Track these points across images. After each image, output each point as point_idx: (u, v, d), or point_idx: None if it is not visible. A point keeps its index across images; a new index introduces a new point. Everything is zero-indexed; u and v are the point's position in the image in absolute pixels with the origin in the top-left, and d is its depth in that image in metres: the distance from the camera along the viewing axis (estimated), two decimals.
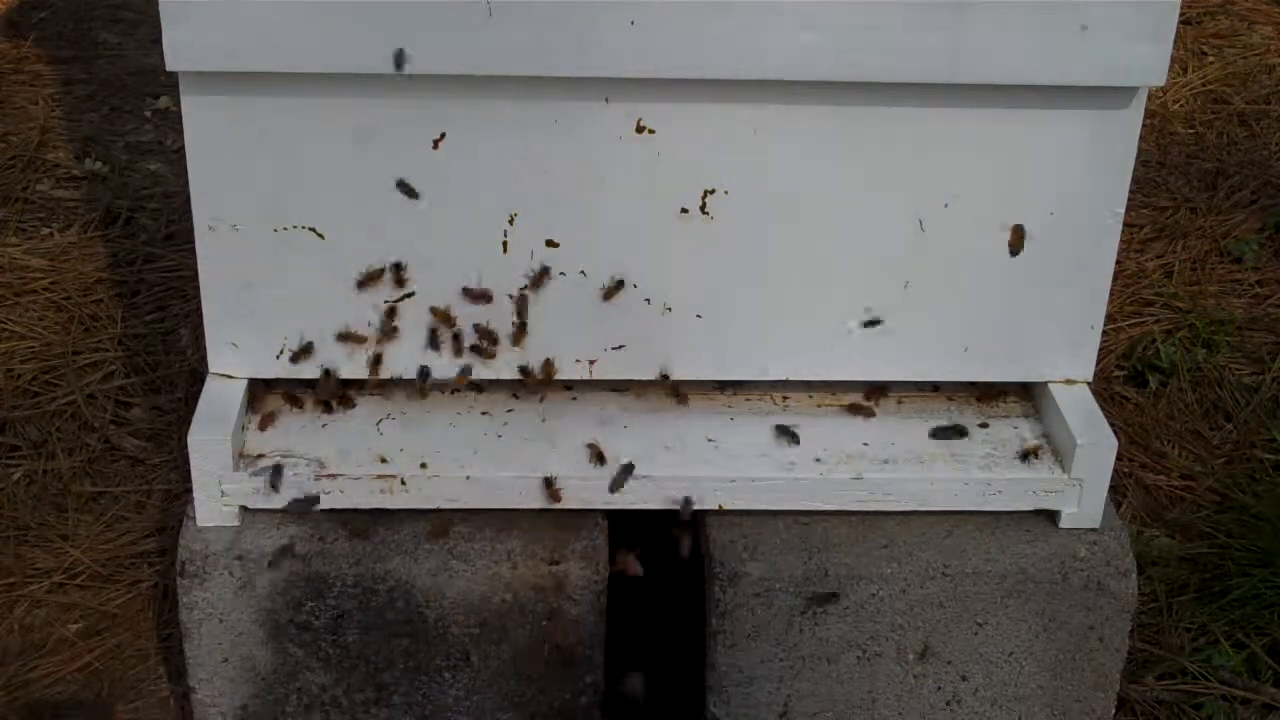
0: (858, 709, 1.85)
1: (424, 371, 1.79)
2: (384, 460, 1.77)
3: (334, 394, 1.82)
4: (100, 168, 3.05)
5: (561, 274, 1.76)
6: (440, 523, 1.76)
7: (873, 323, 1.81)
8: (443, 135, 1.68)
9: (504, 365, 1.80)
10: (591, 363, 1.81)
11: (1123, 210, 1.77)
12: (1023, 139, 1.71)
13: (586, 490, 1.77)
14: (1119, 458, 1.89)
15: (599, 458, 1.77)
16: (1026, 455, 1.82)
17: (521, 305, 1.76)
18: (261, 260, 1.73)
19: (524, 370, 1.80)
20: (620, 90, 1.66)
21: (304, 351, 1.78)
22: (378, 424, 1.82)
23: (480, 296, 1.74)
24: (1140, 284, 2.80)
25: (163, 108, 3.30)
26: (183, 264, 2.71)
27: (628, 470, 1.75)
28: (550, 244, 1.74)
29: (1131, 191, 1.76)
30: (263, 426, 1.80)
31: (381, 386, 1.84)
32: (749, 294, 1.79)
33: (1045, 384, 1.87)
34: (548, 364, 1.79)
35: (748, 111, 1.68)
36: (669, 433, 1.83)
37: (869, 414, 1.87)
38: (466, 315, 1.77)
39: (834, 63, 1.63)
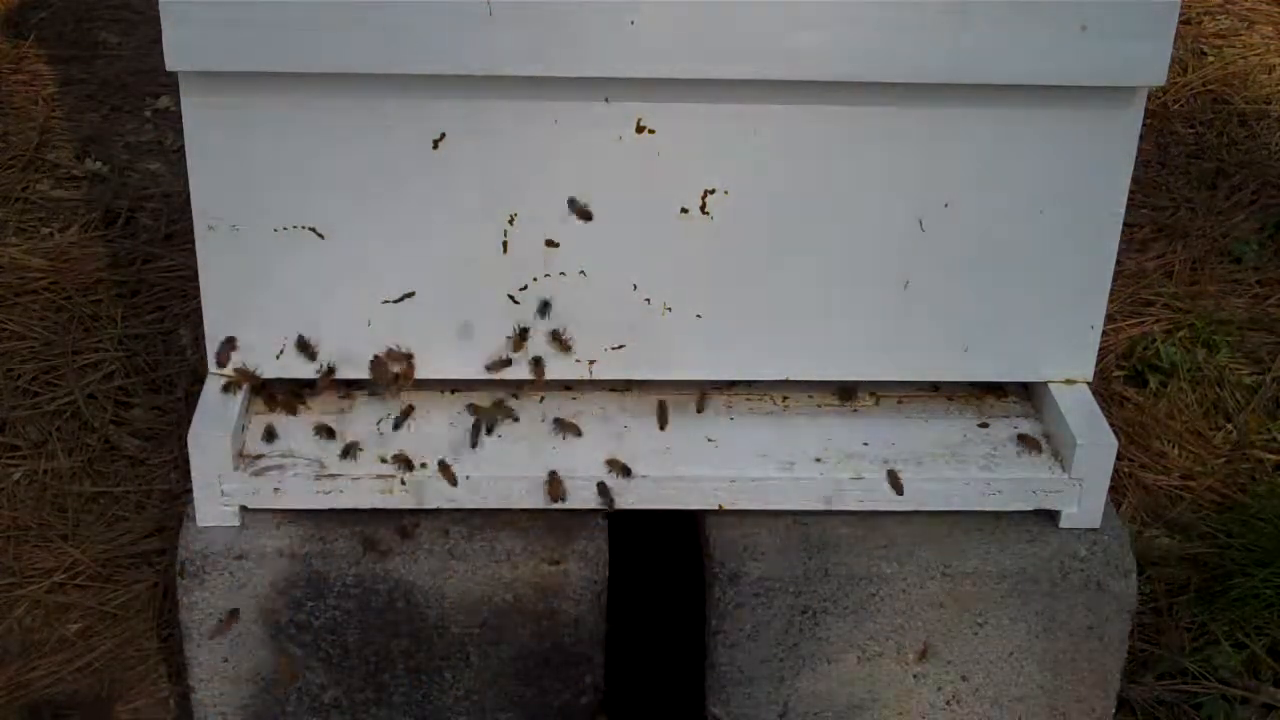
0: (858, 709, 1.85)
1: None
2: (384, 460, 1.77)
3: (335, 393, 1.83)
4: (100, 168, 3.05)
5: (561, 274, 1.76)
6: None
7: (872, 322, 1.81)
8: (443, 135, 1.68)
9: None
10: (591, 363, 1.81)
11: (1123, 210, 1.77)
12: (1023, 139, 1.71)
13: (587, 490, 1.77)
14: (1119, 458, 1.89)
15: (624, 471, 1.77)
16: (1024, 440, 1.83)
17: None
18: (261, 260, 1.73)
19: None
20: (620, 90, 1.66)
21: (304, 351, 1.78)
22: (378, 424, 1.82)
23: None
24: (1140, 284, 2.80)
25: (163, 108, 3.30)
26: (183, 264, 2.71)
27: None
28: (550, 244, 1.74)
29: (1131, 191, 1.76)
30: (262, 426, 1.80)
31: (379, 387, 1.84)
32: (749, 294, 1.78)
33: (1045, 384, 1.87)
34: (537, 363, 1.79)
35: (748, 111, 1.68)
36: (669, 432, 1.83)
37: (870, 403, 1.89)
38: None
39: (834, 63, 1.63)
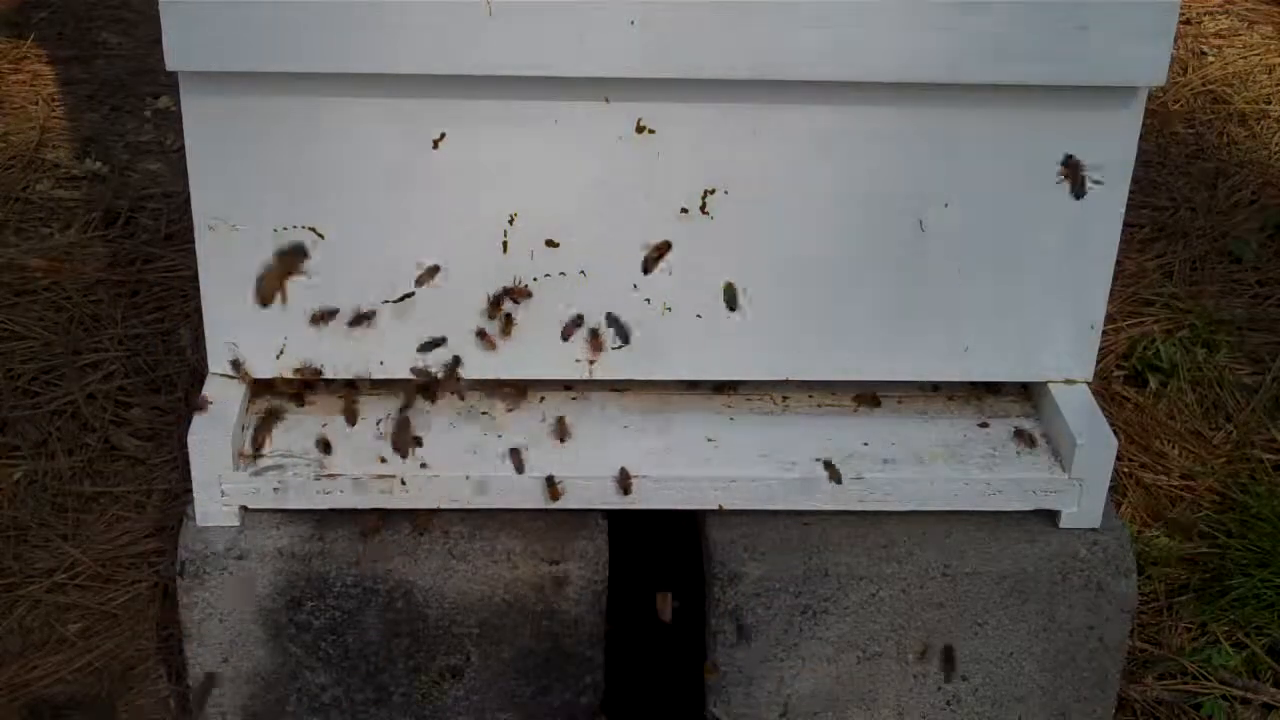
0: (858, 709, 1.85)
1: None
2: (384, 460, 1.77)
3: (336, 393, 1.83)
4: (100, 168, 3.05)
5: (562, 274, 1.76)
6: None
7: (872, 322, 1.81)
8: (443, 135, 1.68)
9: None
10: (591, 362, 1.81)
11: (1123, 210, 1.77)
12: (1023, 139, 1.71)
13: (587, 490, 1.77)
14: (1119, 458, 1.89)
15: (625, 488, 1.77)
16: (1024, 440, 1.83)
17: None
18: (261, 260, 1.73)
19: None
20: (620, 90, 1.66)
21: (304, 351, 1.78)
22: (378, 424, 1.82)
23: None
24: (1140, 284, 2.80)
25: (163, 108, 3.30)
26: (183, 264, 2.71)
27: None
28: (550, 244, 1.74)
29: (1131, 191, 1.76)
30: (262, 426, 1.79)
31: (381, 386, 1.84)
32: (749, 294, 1.78)
33: (1045, 384, 1.87)
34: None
35: (748, 111, 1.68)
36: (669, 433, 1.83)
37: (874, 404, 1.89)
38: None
39: (834, 63, 1.63)
